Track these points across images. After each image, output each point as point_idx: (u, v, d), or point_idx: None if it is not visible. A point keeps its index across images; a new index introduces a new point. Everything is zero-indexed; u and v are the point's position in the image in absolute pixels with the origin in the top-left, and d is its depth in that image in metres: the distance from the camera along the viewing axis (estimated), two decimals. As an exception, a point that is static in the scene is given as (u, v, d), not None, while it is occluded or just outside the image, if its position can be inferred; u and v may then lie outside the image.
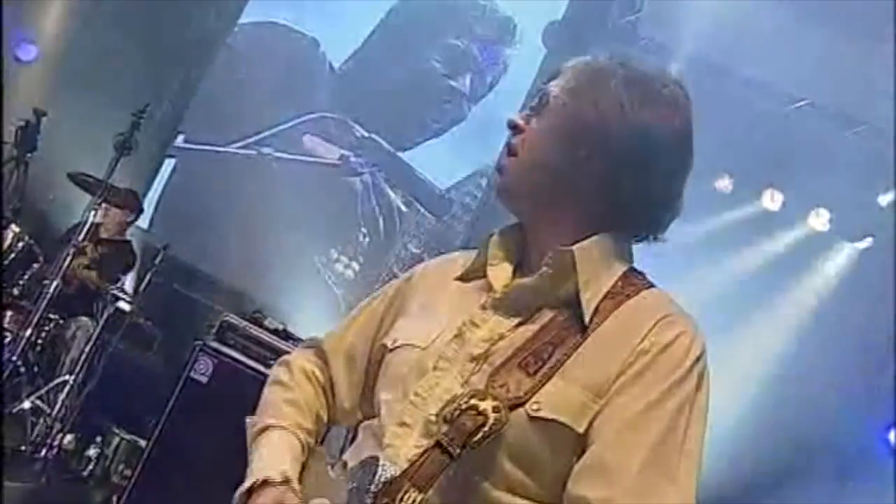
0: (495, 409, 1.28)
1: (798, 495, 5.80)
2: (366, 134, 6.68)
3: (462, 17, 6.90)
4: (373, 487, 1.28)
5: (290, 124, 6.63)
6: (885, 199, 6.19)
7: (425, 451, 1.30)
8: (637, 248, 1.50)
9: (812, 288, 6.28)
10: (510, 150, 1.47)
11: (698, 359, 1.35)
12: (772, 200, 6.31)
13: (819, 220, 6.28)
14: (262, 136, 6.63)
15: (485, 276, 1.50)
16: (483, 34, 6.86)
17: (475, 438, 1.28)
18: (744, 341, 6.09)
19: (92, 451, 4.96)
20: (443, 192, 6.68)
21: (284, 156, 6.60)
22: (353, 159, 6.66)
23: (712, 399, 1.36)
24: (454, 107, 6.78)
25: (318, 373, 1.63)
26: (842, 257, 6.33)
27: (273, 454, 1.48)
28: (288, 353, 1.76)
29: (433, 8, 7.01)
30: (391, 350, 1.51)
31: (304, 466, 1.50)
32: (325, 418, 1.61)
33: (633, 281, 1.43)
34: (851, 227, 6.33)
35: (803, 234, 6.35)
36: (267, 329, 4.65)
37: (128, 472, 4.71)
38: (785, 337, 6.20)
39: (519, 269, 1.49)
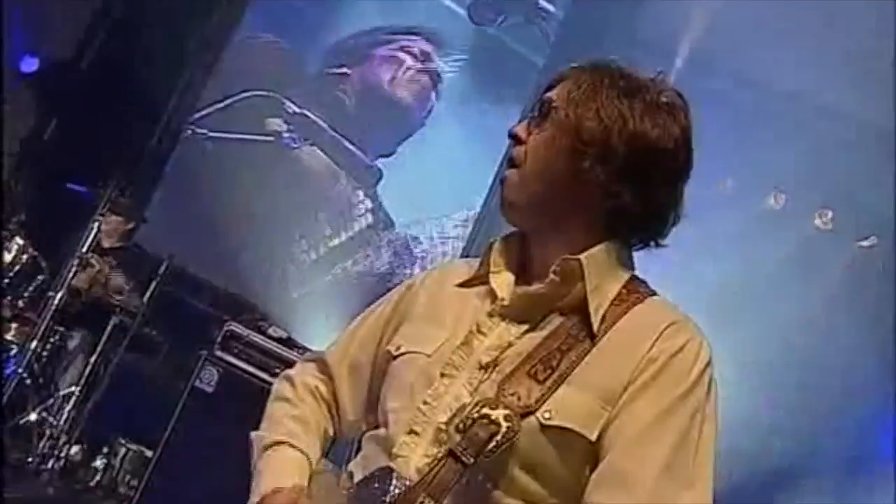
0: (507, 418, 1.30)
1: (799, 496, 5.80)
2: (297, 110, 6.70)
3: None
4: (388, 498, 1.29)
5: (221, 105, 6.65)
6: (888, 198, 6.19)
7: (439, 461, 1.30)
8: (641, 252, 1.51)
9: (816, 287, 6.27)
10: (513, 162, 1.48)
11: (707, 365, 1.38)
12: (775, 201, 6.31)
13: (822, 220, 6.27)
14: (195, 117, 6.64)
15: (486, 283, 1.51)
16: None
17: (489, 447, 1.29)
18: (747, 341, 6.08)
19: (98, 462, 4.96)
20: (371, 164, 6.73)
21: (218, 135, 6.62)
22: (285, 135, 6.70)
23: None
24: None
25: (321, 387, 1.63)
26: (845, 256, 6.32)
27: (281, 469, 1.48)
28: (292, 361, 1.76)
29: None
30: (396, 357, 1.51)
31: (310, 480, 1.50)
32: (331, 433, 1.62)
33: (637, 288, 1.45)
34: (855, 227, 6.32)
35: (807, 233, 6.34)
36: (271, 337, 4.66)
37: (135, 482, 4.72)
38: (789, 336, 6.19)
39: (520, 277, 1.50)
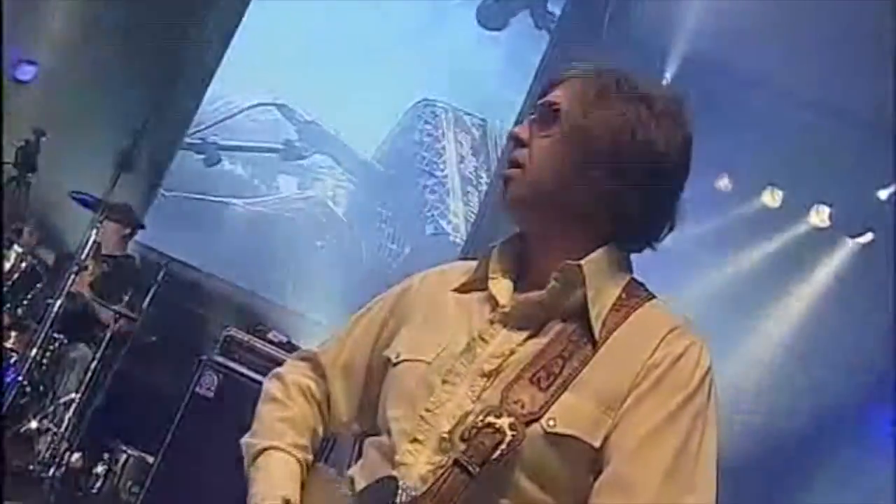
0: (512, 427, 1.30)
1: (800, 487, 5.82)
2: (309, 118, 6.72)
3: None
4: None
5: (233, 114, 6.67)
6: (884, 193, 6.21)
7: (445, 470, 1.30)
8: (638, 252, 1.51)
9: (814, 283, 6.29)
10: (516, 163, 1.47)
11: (708, 370, 1.38)
12: (772, 198, 6.32)
13: (819, 216, 6.29)
14: (207, 126, 6.65)
15: (484, 288, 1.50)
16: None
17: (494, 456, 1.28)
18: (746, 339, 6.10)
19: (100, 469, 4.95)
20: (380, 173, 6.76)
21: (228, 143, 6.65)
22: (297, 143, 6.71)
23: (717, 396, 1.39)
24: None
25: (313, 387, 1.62)
26: (843, 252, 6.34)
27: (273, 478, 1.48)
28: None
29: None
30: (395, 364, 1.50)
31: (305, 485, 1.50)
32: (321, 433, 1.61)
33: (637, 292, 1.45)
34: (851, 223, 6.34)
35: (804, 230, 6.36)
36: (271, 342, 4.66)
37: (136, 489, 4.71)
38: (787, 332, 6.22)
39: (519, 283, 1.49)
